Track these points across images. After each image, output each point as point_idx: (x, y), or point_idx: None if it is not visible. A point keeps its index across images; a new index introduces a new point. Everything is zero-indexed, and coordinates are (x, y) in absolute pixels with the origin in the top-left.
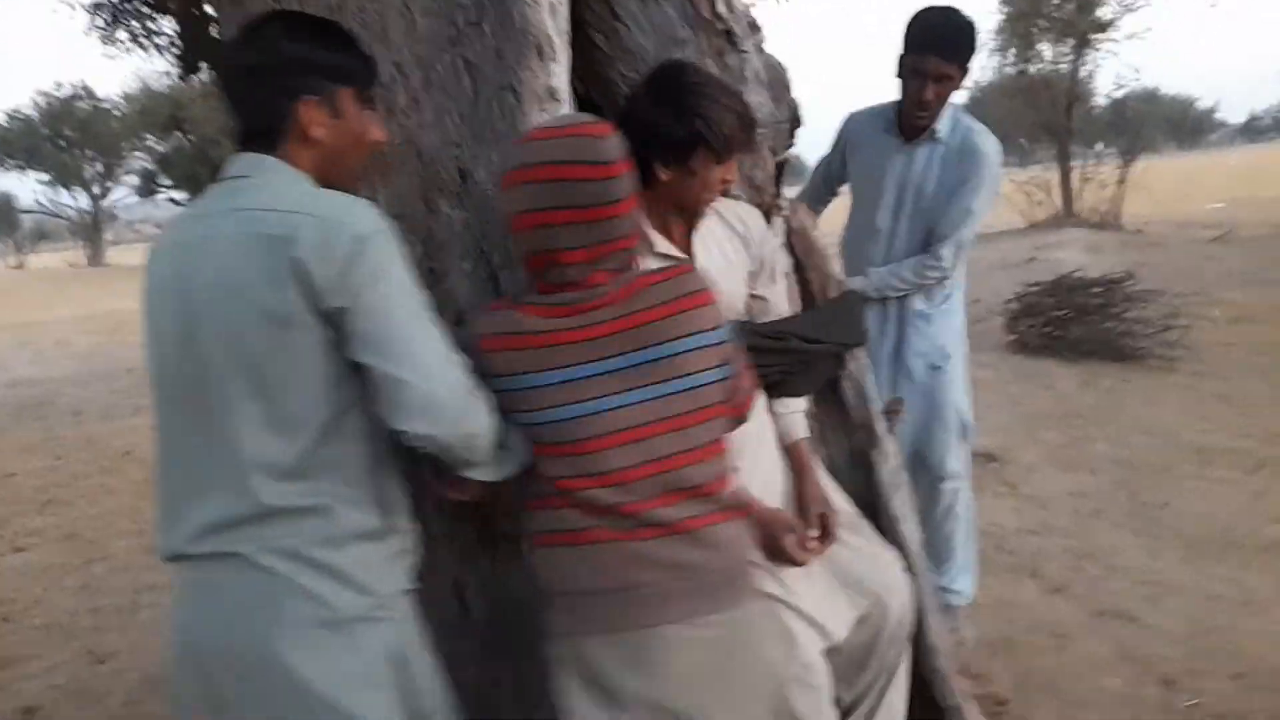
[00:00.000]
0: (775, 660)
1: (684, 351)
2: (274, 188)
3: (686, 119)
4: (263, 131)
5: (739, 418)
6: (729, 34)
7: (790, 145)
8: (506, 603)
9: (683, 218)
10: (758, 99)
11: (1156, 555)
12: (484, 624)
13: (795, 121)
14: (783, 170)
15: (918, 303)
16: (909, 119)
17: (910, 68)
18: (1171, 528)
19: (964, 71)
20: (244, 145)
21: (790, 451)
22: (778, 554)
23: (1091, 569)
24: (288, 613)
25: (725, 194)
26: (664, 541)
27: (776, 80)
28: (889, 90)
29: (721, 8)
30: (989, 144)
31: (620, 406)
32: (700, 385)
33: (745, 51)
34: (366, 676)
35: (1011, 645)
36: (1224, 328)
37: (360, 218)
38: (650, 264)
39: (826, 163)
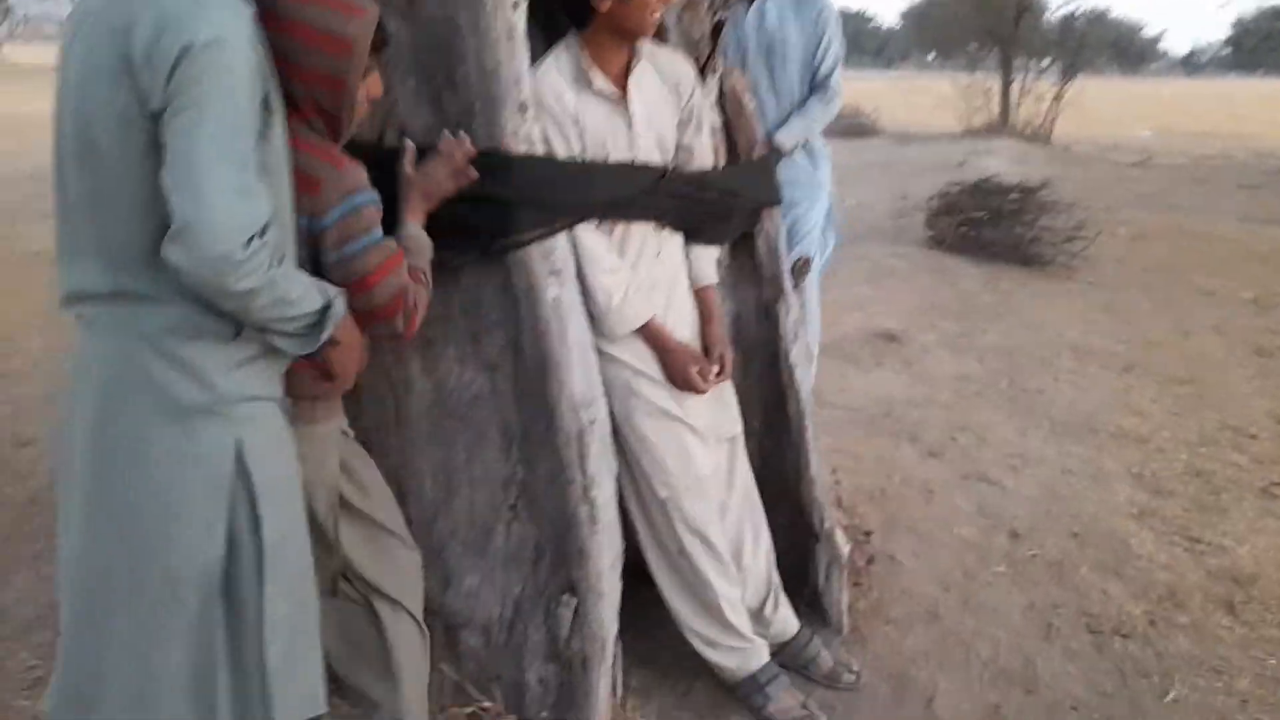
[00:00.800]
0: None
1: None
2: None
3: None
4: None
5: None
6: None
7: (728, 5)
8: None
9: (624, 51)
10: None
11: (1024, 433)
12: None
13: None
14: (720, 30)
15: (818, 142)
16: None
17: None
18: (1042, 412)
19: None
20: None
21: (699, 295)
22: (684, 382)
23: (964, 439)
24: (133, 393)
25: (662, 25)
26: None
27: None
28: None
29: None
30: None
31: None
32: None
33: None
34: (196, 467)
35: (884, 495)
36: (1124, 244)
37: (201, 23)
38: (588, 100)
39: None
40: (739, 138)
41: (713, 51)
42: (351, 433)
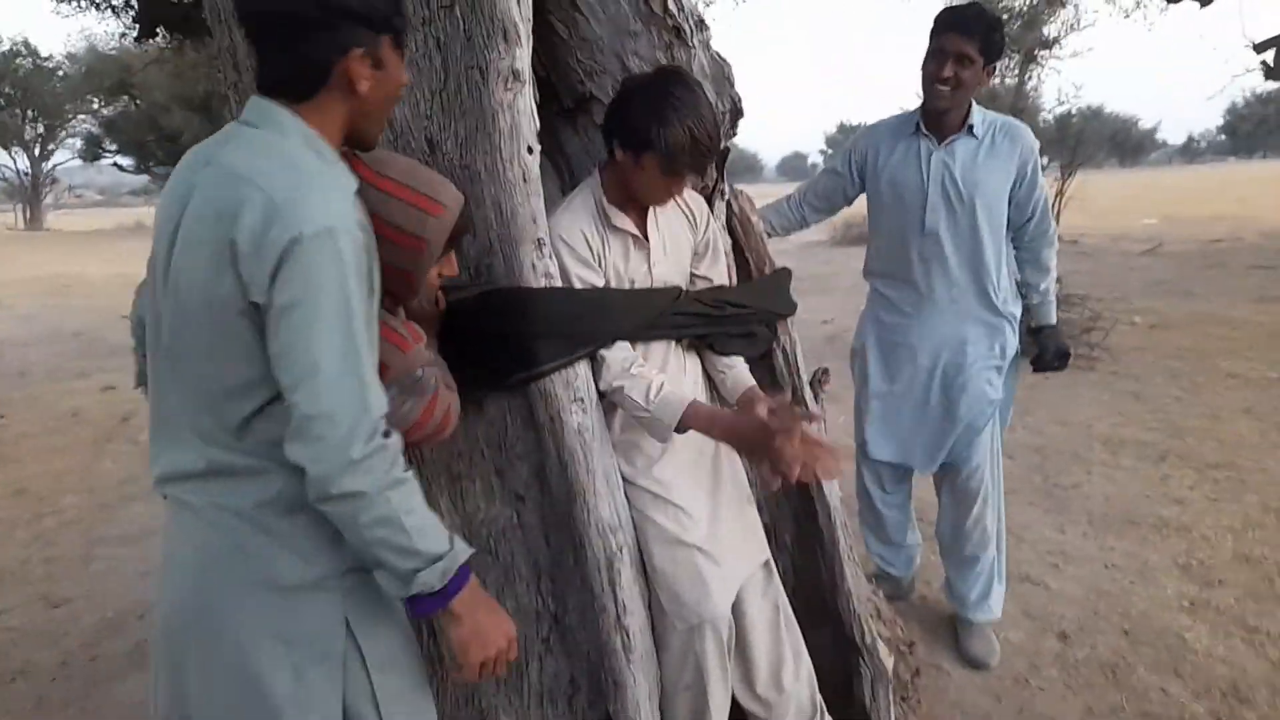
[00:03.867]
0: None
1: None
2: (259, 145)
3: (649, 120)
4: (297, 82)
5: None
6: (678, 30)
7: (731, 134)
8: None
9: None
10: None
11: (1063, 530)
12: None
13: (736, 113)
14: (725, 158)
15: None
16: (929, 101)
17: (932, 49)
18: (1079, 507)
19: (985, 57)
20: (266, 90)
21: (745, 399)
22: (776, 459)
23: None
24: (232, 573)
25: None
26: None
27: (719, 75)
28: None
29: (672, 5)
30: (1024, 127)
31: None
32: None
33: (692, 47)
34: (307, 646)
35: (925, 602)
36: (1143, 333)
37: (311, 212)
38: (608, 236)
39: (836, 173)
40: (750, 255)
41: (719, 179)
42: None
